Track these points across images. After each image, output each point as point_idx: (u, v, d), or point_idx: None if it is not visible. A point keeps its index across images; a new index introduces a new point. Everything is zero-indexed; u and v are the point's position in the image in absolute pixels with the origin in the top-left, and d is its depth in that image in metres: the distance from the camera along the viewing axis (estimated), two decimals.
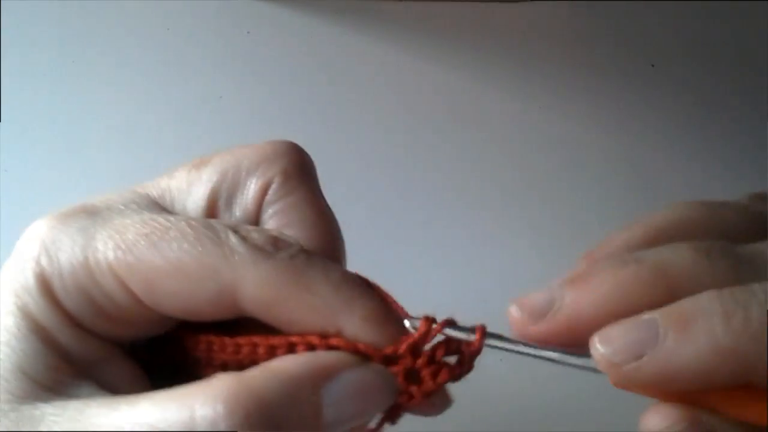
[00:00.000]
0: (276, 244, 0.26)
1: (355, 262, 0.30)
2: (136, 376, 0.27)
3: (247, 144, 0.30)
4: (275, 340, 0.26)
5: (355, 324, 0.26)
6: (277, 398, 0.23)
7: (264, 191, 0.29)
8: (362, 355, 0.26)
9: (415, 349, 0.26)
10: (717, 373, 0.21)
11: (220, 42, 0.68)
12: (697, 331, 0.22)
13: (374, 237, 0.60)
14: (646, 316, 0.23)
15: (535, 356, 0.25)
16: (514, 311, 0.25)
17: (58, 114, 0.65)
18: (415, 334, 0.26)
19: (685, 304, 0.22)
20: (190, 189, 0.29)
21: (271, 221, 0.29)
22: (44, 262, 0.26)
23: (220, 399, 0.23)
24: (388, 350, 0.26)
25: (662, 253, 0.24)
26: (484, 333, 0.26)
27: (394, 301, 0.27)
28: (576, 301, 0.24)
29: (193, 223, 0.26)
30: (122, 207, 0.28)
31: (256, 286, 0.25)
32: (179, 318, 0.27)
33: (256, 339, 0.26)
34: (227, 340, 0.27)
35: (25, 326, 0.25)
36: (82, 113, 0.65)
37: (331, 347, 0.26)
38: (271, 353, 0.26)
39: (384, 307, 0.26)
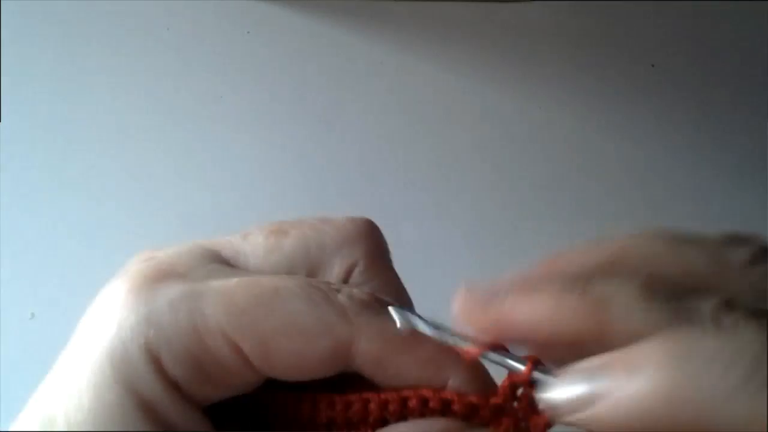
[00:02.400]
0: (380, 301, 0.26)
1: None
2: None
3: (325, 219, 0.30)
4: (387, 395, 0.26)
5: (460, 376, 0.26)
6: None
7: (348, 274, 0.29)
8: (473, 406, 0.26)
9: (514, 393, 0.26)
10: (669, 422, 0.21)
11: (220, 42, 0.68)
12: (644, 379, 0.22)
13: None
14: (591, 365, 0.23)
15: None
16: (461, 295, 0.26)
17: (58, 114, 0.65)
18: (519, 376, 0.26)
19: (637, 352, 0.22)
20: (268, 257, 0.29)
21: None
22: (148, 331, 0.25)
23: None
24: (497, 400, 0.26)
25: (608, 288, 0.24)
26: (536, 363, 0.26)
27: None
28: (512, 308, 0.25)
29: (300, 281, 0.26)
30: (206, 269, 0.27)
31: (370, 341, 0.25)
32: (286, 378, 0.27)
33: (367, 395, 0.27)
34: (336, 397, 0.27)
35: (128, 402, 0.24)
36: (82, 113, 0.65)
37: (444, 400, 0.26)
38: (383, 408, 0.26)
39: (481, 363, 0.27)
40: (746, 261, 0.25)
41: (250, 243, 0.29)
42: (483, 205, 0.63)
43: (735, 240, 0.26)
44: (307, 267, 0.29)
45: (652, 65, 0.68)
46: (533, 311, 0.24)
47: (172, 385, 0.25)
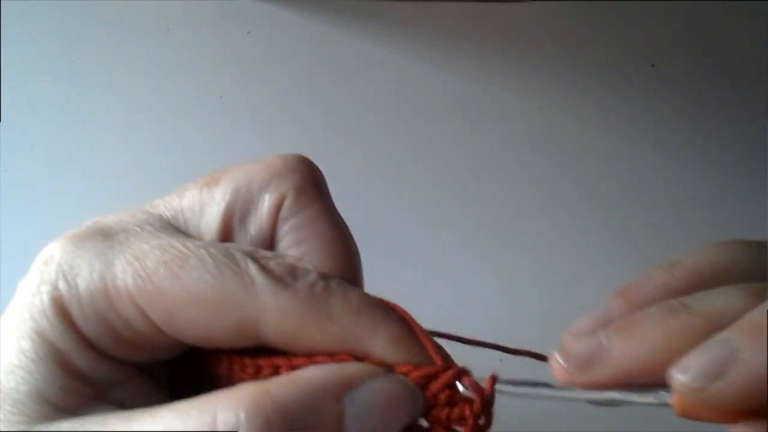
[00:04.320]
0: (294, 273, 0.26)
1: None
2: (155, 398, 0.27)
3: (256, 159, 0.30)
4: (298, 361, 0.26)
5: (381, 347, 0.25)
6: (299, 405, 0.23)
7: (278, 208, 0.29)
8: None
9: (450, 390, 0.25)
10: None
11: (220, 42, 0.68)
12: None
13: (373, 237, 0.60)
14: (717, 336, 0.22)
15: (588, 400, 0.24)
16: (558, 362, 0.25)
17: (58, 114, 0.65)
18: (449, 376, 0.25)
19: (753, 315, 0.22)
20: (203, 209, 0.29)
21: (286, 238, 0.29)
22: (62, 287, 0.26)
23: (243, 405, 0.23)
24: (423, 371, 0.25)
25: (713, 299, 0.23)
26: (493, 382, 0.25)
27: (414, 321, 0.27)
28: (625, 351, 0.24)
29: (212, 250, 0.26)
30: (138, 229, 0.27)
31: (277, 317, 0.25)
32: (198, 345, 0.27)
33: (277, 360, 0.26)
34: (248, 360, 0.26)
35: (42, 350, 0.25)
36: (82, 113, 0.65)
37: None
38: None
39: (406, 329, 0.26)
40: None
41: (186, 199, 0.29)
42: (483, 205, 0.63)
43: None
44: (239, 210, 0.29)
45: (652, 65, 0.68)
46: (647, 346, 0.23)
47: (83, 339, 0.26)
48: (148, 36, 0.68)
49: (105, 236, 0.27)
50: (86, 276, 0.26)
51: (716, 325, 0.23)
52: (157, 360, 0.28)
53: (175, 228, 0.28)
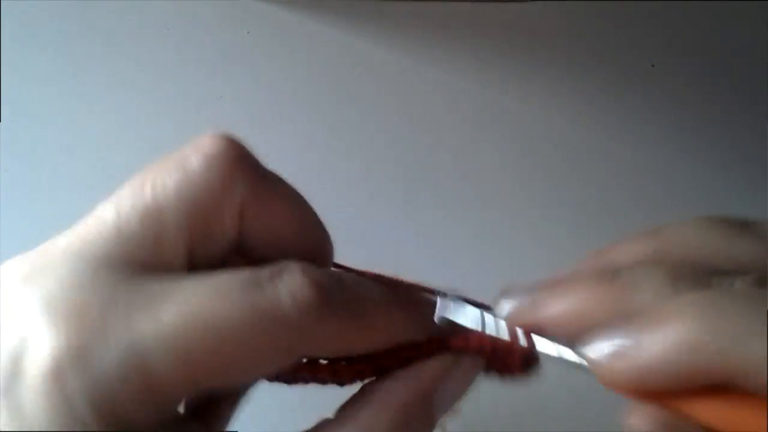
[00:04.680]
0: (320, 292, 0.25)
1: (352, 263, 0.30)
2: None
3: (177, 163, 0.26)
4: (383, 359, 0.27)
5: (414, 331, 0.27)
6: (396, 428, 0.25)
7: (241, 217, 0.27)
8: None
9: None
10: (689, 373, 0.22)
11: (220, 42, 0.68)
12: (670, 330, 0.22)
13: (373, 237, 0.60)
14: (632, 318, 0.24)
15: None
16: (504, 305, 0.27)
17: (58, 114, 0.65)
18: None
19: (670, 306, 0.23)
20: (159, 241, 0.26)
21: (252, 235, 0.28)
22: (103, 409, 0.23)
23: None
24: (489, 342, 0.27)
25: (637, 272, 0.25)
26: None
27: (404, 282, 0.29)
28: (543, 305, 0.26)
29: (239, 298, 0.24)
30: (120, 302, 0.24)
31: (328, 346, 0.26)
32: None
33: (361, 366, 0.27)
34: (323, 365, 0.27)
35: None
36: (82, 113, 0.65)
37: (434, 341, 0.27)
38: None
39: (421, 305, 0.28)
40: None
41: (132, 236, 0.26)
42: (483, 205, 0.63)
43: None
44: (202, 232, 0.26)
45: (652, 65, 0.68)
46: (568, 304, 0.25)
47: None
48: (148, 36, 0.68)
49: (95, 320, 0.23)
50: (126, 390, 0.23)
51: (627, 297, 0.24)
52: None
53: (141, 273, 0.25)
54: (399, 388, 0.26)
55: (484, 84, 0.67)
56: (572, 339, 0.25)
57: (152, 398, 0.23)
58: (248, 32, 0.69)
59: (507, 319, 0.27)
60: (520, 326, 0.27)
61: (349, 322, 0.25)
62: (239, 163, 0.27)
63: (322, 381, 0.28)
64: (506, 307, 0.27)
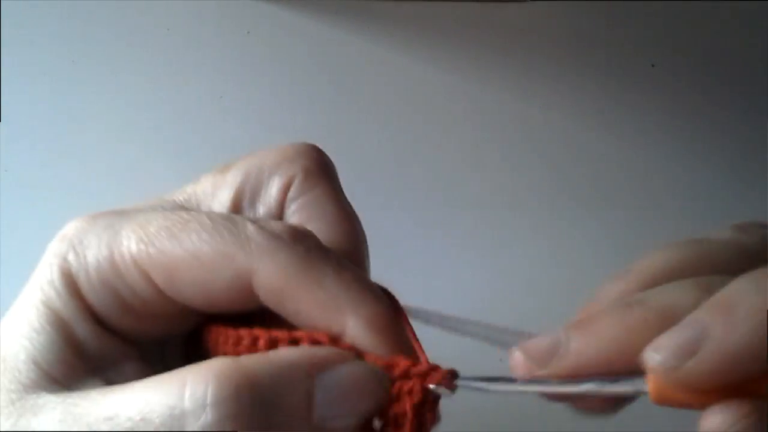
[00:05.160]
0: (294, 235, 0.26)
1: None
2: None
3: (269, 148, 0.31)
4: (278, 334, 0.26)
5: (359, 325, 0.26)
6: (269, 380, 0.23)
7: (286, 188, 0.30)
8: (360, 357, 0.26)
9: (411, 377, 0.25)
10: None
11: (220, 42, 0.68)
12: (741, 311, 0.22)
13: (372, 236, 0.60)
14: (688, 317, 0.23)
15: (557, 394, 0.25)
16: (517, 357, 0.25)
17: (58, 114, 0.65)
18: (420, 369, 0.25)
19: (722, 294, 0.23)
20: (215, 192, 0.30)
21: (294, 217, 0.30)
22: (71, 258, 0.27)
23: (212, 376, 0.23)
24: (388, 362, 0.25)
25: (665, 293, 0.24)
26: (451, 376, 0.25)
27: (405, 316, 0.27)
28: (582, 346, 0.24)
29: (213, 215, 0.27)
30: (148, 208, 0.29)
31: (268, 274, 0.26)
32: (200, 309, 0.27)
33: (257, 331, 0.26)
34: (230, 331, 0.27)
35: (45, 319, 0.26)
36: (82, 113, 0.65)
37: (335, 347, 0.26)
38: (273, 347, 0.26)
39: (391, 316, 0.26)
40: (764, 243, 0.26)
41: (200, 185, 0.31)
42: (483, 205, 0.63)
43: (744, 228, 0.26)
44: (249, 191, 0.30)
45: (652, 65, 0.68)
46: (603, 340, 0.24)
47: (89, 310, 0.27)
48: (148, 36, 0.68)
49: (116, 213, 0.28)
50: (94, 246, 0.27)
51: (668, 316, 0.23)
52: (164, 335, 0.29)
53: (185, 209, 0.30)
54: (287, 350, 0.26)
55: (484, 84, 0.67)
56: (617, 368, 0.24)
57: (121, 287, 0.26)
58: (248, 32, 0.69)
59: (524, 368, 0.25)
60: (555, 375, 0.24)
61: (301, 268, 0.25)
62: (306, 151, 0.31)
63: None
64: (525, 358, 0.25)
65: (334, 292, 0.26)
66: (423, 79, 0.67)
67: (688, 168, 0.65)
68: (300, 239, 0.26)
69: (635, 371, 0.23)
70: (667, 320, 0.23)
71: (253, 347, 0.26)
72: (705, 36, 0.69)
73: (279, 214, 0.30)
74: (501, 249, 0.62)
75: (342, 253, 0.28)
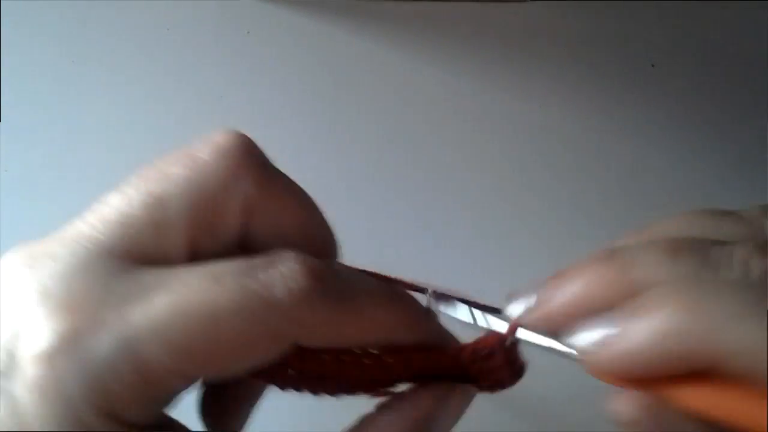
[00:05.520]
0: (318, 278, 0.25)
1: (353, 263, 0.30)
2: None
3: (189, 157, 0.26)
4: (391, 358, 0.28)
5: (407, 333, 0.27)
6: None
7: (246, 211, 0.27)
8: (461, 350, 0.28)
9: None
10: (674, 358, 0.22)
11: (220, 42, 0.68)
12: (654, 317, 0.23)
13: (373, 237, 0.60)
14: (615, 309, 0.24)
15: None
16: (513, 307, 0.27)
17: (58, 114, 0.65)
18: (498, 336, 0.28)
19: (651, 296, 0.23)
20: (160, 231, 0.26)
21: (259, 232, 0.28)
22: (93, 395, 0.23)
23: None
24: (456, 351, 0.28)
25: (634, 250, 0.25)
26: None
27: (401, 280, 0.29)
28: (548, 296, 0.26)
29: (232, 285, 0.24)
30: (113, 291, 0.24)
31: (315, 332, 0.25)
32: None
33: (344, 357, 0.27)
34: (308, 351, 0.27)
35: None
36: (82, 113, 0.65)
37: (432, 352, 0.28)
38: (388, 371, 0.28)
39: (415, 306, 0.28)
40: None
41: (131, 225, 0.26)
42: (482, 205, 0.63)
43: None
44: (204, 223, 0.26)
45: (652, 65, 0.68)
46: (572, 292, 0.25)
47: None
48: (148, 36, 0.68)
49: (91, 313, 0.23)
50: (116, 378, 0.23)
51: (627, 272, 0.24)
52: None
53: (134, 263, 0.25)
54: (397, 421, 0.27)
55: (484, 84, 0.67)
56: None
57: (145, 389, 0.23)
58: (248, 32, 0.69)
59: (520, 319, 0.27)
60: (531, 325, 0.27)
61: (340, 309, 0.25)
62: (247, 157, 0.27)
63: (311, 383, 0.28)
64: (516, 308, 0.27)
65: (376, 315, 0.27)
66: (423, 79, 0.67)
67: (688, 168, 0.65)
68: (321, 278, 0.25)
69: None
70: (623, 277, 0.24)
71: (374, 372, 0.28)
72: (705, 36, 0.69)
73: (241, 236, 0.27)
74: (501, 248, 0.62)
75: (321, 247, 0.29)
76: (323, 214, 0.29)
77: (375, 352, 0.28)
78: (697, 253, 0.24)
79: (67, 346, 0.23)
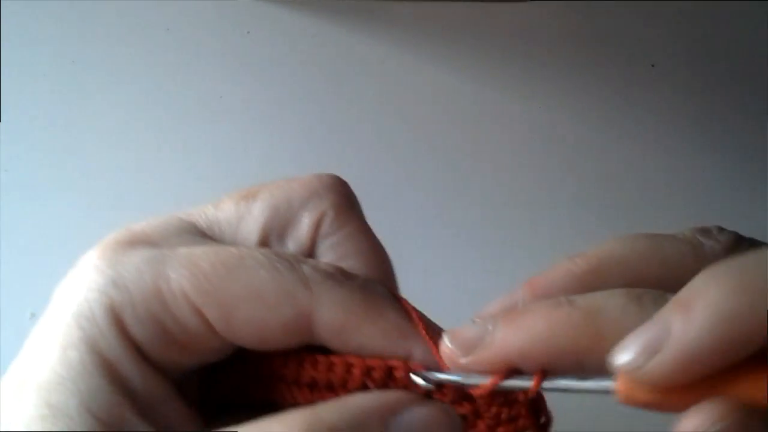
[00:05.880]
0: (345, 273, 0.27)
1: None
2: (189, 415, 0.27)
3: (292, 178, 0.30)
4: (373, 362, 0.27)
5: (423, 348, 0.26)
6: (347, 428, 0.24)
7: (318, 225, 0.29)
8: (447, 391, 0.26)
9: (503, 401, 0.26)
10: (733, 342, 0.21)
11: (220, 42, 0.68)
12: (700, 307, 0.22)
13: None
14: (655, 316, 0.23)
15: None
16: (445, 342, 0.26)
17: (58, 114, 0.65)
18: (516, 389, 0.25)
19: (683, 290, 0.23)
20: (240, 223, 0.29)
21: (327, 254, 0.29)
22: (113, 293, 0.26)
23: (296, 428, 0.24)
24: (475, 391, 0.26)
25: (595, 297, 0.25)
26: (543, 377, 0.25)
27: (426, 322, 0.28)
28: (506, 337, 0.25)
29: (266, 253, 0.26)
30: (178, 237, 0.28)
31: (331, 310, 0.26)
32: (247, 346, 0.27)
33: (351, 359, 0.27)
34: (320, 357, 0.27)
35: (90, 360, 0.25)
36: (82, 113, 0.65)
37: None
38: (367, 374, 0.27)
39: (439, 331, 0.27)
40: (723, 248, 0.26)
41: (223, 211, 0.30)
42: (482, 205, 0.63)
43: (707, 231, 0.27)
44: (278, 226, 0.29)
45: (652, 65, 0.68)
46: (527, 333, 0.25)
47: (134, 347, 0.26)
48: (148, 36, 0.68)
49: (147, 244, 0.27)
50: (137, 281, 0.26)
51: (592, 317, 0.24)
52: (196, 366, 0.28)
53: (209, 237, 0.29)
54: (361, 396, 0.26)
55: (484, 84, 0.67)
56: (553, 365, 0.24)
57: (163, 315, 0.26)
58: (248, 32, 0.69)
59: (449, 354, 0.26)
60: (479, 366, 0.25)
61: (361, 298, 0.26)
62: (334, 185, 0.30)
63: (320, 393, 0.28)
64: (451, 344, 0.26)
65: (396, 321, 0.26)
66: (423, 78, 0.67)
67: (688, 168, 0.65)
68: (350, 276, 0.27)
69: (556, 369, 0.24)
70: (590, 323, 0.24)
71: (345, 374, 0.27)
72: (705, 36, 0.69)
73: (310, 250, 0.29)
74: (501, 248, 0.62)
75: None
76: (390, 265, 0.31)
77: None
78: (658, 302, 0.23)
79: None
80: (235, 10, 0.69)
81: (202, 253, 0.26)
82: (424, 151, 0.65)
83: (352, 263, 0.29)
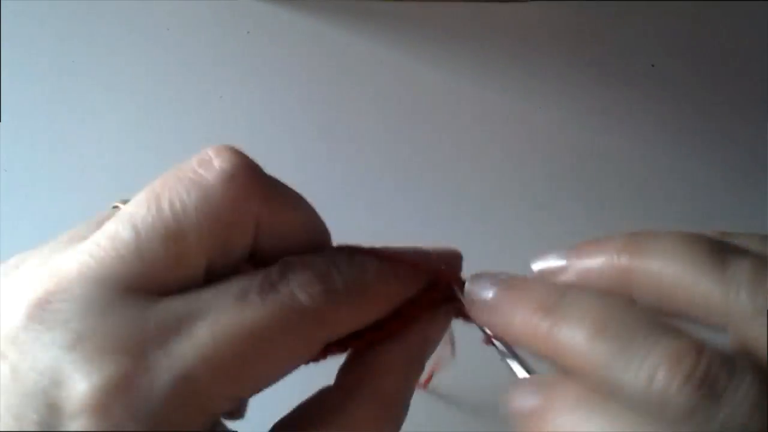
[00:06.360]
0: (325, 281, 0.27)
1: None
2: None
3: (191, 184, 0.27)
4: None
5: (408, 290, 0.30)
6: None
7: (255, 235, 0.28)
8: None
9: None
10: None
11: (220, 42, 0.68)
12: None
13: (373, 237, 0.60)
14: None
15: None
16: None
17: (58, 114, 0.65)
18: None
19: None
20: (179, 265, 0.26)
21: (266, 243, 0.28)
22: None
23: None
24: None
25: (568, 331, 0.27)
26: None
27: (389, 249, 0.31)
28: (496, 304, 0.30)
29: (263, 303, 0.25)
30: (151, 327, 0.24)
31: (342, 325, 0.28)
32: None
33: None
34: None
35: None
36: (82, 113, 0.65)
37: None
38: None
39: (410, 261, 0.31)
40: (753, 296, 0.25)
41: (149, 261, 0.25)
42: (482, 206, 0.63)
43: (733, 252, 0.26)
44: (221, 254, 0.27)
45: (652, 65, 0.68)
46: (502, 319, 0.29)
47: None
48: (148, 36, 0.68)
49: (139, 360, 0.23)
50: (176, 413, 0.23)
51: (556, 348, 0.27)
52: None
53: (159, 295, 0.25)
54: (400, 353, 0.29)
55: (484, 84, 0.67)
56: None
57: (203, 415, 0.24)
58: (248, 32, 0.69)
59: (471, 307, 0.31)
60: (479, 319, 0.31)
61: (357, 298, 0.27)
62: (253, 177, 0.27)
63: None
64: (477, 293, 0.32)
65: (387, 292, 0.30)
66: (423, 79, 0.67)
67: (688, 168, 0.65)
68: (330, 278, 0.27)
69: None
70: (553, 350, 0.27)
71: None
72: (705, 36, 0.69)
73: (250, 252, 0.28)
74: (500, 249, 0.62)
75: (320, 240, 0.30)
76: (319, 217, 0.30)
77: None
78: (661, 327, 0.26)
79: (121, 392, 0.22)
80: (235, 10, 0.69)
81: (214, 345, 0.24)
82: (423, 150, 0.65)
83: (291, 236, 0.29)
